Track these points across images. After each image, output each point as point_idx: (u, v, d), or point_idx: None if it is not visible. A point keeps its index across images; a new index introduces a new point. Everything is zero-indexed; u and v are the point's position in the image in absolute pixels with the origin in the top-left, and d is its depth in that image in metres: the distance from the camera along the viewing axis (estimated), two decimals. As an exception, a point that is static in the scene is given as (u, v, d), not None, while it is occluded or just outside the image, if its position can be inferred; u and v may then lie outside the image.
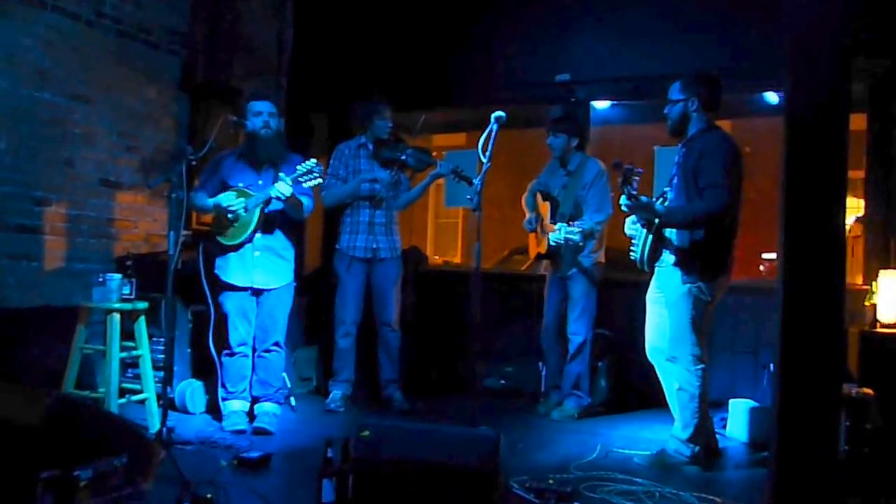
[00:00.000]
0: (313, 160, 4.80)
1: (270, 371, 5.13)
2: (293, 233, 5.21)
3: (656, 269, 4.45)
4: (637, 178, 4.14)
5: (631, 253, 4.44)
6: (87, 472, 3.26)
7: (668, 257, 4.35)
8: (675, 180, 4.39)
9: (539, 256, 5.71)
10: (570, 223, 5.26)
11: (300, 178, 4.74)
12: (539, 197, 5.73)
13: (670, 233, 4.33)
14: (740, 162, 4.28)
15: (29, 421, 3.11)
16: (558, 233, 5.20)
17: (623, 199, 4.21)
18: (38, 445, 3.11)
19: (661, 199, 4.37)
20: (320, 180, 4.82)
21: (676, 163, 4.41)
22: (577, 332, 5.54)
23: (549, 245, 5.42)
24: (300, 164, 4.77)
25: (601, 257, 5.61)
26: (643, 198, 4.22)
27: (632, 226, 4.47)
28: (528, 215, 5.76)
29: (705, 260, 4.26)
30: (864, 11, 4.91)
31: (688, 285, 4.27)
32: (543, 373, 5.88)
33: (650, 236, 4.32)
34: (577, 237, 5.13)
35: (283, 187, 4.74)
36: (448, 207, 8.28)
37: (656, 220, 4.28)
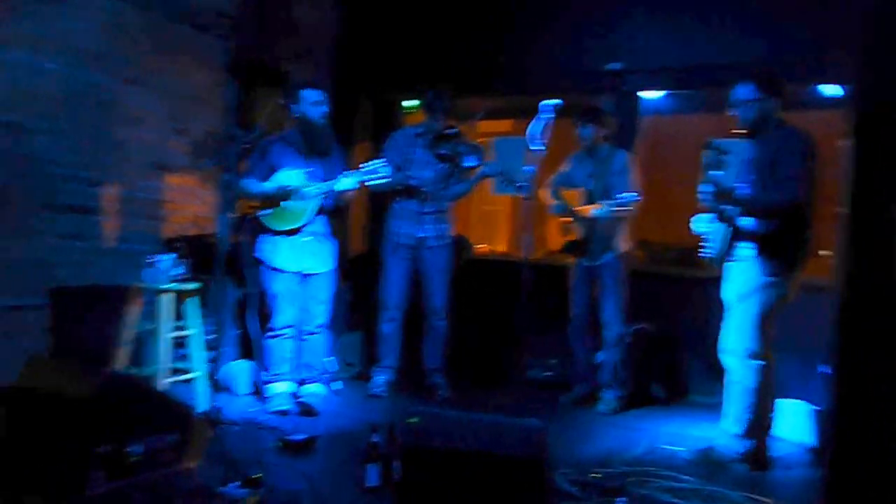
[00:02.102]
0: (382, 159, 4.85)
1: (315, 353, 5.18)
2: (335, 218, 5.26)
3: (729, 265, 4.39)
4: (725, 159, 4.09)
5: (704, 250, 4.38)
6: (139, 449, 3.33)
7: (744, 251, 4.29)
8: (747, 176, 4.31)
9: (568, 246, 5.68)
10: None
11: (366, 174, 4.80)
12: (562, 190, 5.74)
13: (747, 225, 4.26)
14: (817, 155, 4.21)
15: (83, 397, 3.16)
16: (603, 208, 5.18)
17: (703, 186, 4.17)
18: (90, 421, 3.16)
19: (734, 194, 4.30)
20: (389, 179, 4.86)
21: (749, 159, 4.33)
22: (613, 320, 5.52)
23: (581, 231, 5.40)
24: (369, 162, 4.84)
25: (629, 246, 5.62)
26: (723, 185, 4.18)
27: (702, 223, 4.41)
28: (553, 202, 5.75)
29: (782, 253, 4.20)
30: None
31: (764, 278, 4.21)
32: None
33: (725, 229, 4.27)
34: (625, 206, 5.10)
35: (350, 182, 4.79)
36: (496, 195, 8.22)
37: (731, 212, 4.23)
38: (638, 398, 5.74)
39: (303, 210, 4.97)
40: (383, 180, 4.85)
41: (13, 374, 3.38)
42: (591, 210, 5.26)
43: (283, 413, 4.92)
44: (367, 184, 4.86)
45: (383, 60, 7.24)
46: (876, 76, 2.37)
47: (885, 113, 2.29)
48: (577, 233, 5.52)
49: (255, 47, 6.57)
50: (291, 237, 5.04)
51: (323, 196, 4.97)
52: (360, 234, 7.41)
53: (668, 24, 6.28)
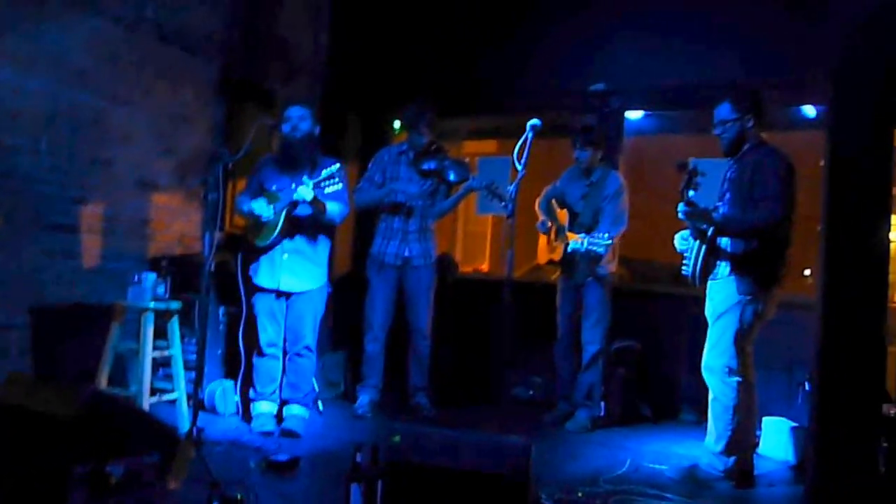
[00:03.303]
0: (336, 165, 4.82)
1: (301, 374, 5.15)
2: (324, 237, 5.23)
3: (709, 284, 4.43)
4: (699, 179, 4.13)
5: (682, 268, 4.42)
6: (119, 469, 3.30)
7: (722, 269, 4.33)
8: (727, 195, 4.38)
9: (551, 263, 5.69)
10: (590, 233, 5.20)
11: (322, 183, 4.76)
12: (555, 204, 5.74)
13: (725, 244, 4.31)
14: (794, 175, 4.26)
15: (63, 415, 3.14)
16: (580, 242, 5.13)
17: (681, 206, 4.20)
18: (71, 440, 3.14)
19: (713, 213, 4.35)
20: (341, 185, 4.82)
21: (728, 178, 4.41)
22: (592, 340, 5.53)
23: (564, 252, 5.43)
24: (325, 169, 4.80)
25: (615, 267, 5.65)
26: (700, 205, 4.22)
27: (682, 241, 4.45)
28: (541, 218, 5.73)
29: (760, 271, 4.25)
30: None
31: (741, 296, 4.25)
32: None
33: (703, 248, 4.30)
34: (602, 250, 5.05)
35: (305, 191, 4.75)
36: (480, 215, 8.25)
37: (710, 231, 4.27)
38: (624, 416, 5.77)
39: (272, 226, 4.95)
40: (338, 186, 4.80)
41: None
42: (571, 241, 5.22)
43: (268, 434, 4.89)
44: (325, 191, 4.78)
45: (372, 79, 7.28)
46: (850, 97, 2.40)
47: (859, 133, 2.32)
48: (561, 252, 5.52)
49: (243, 67, 6.59)
50: (269, 254, 5.03)
51: (288, 208, 4.90)
52: (345, 254, 7.41)
53: (651, 45, 6.36)
